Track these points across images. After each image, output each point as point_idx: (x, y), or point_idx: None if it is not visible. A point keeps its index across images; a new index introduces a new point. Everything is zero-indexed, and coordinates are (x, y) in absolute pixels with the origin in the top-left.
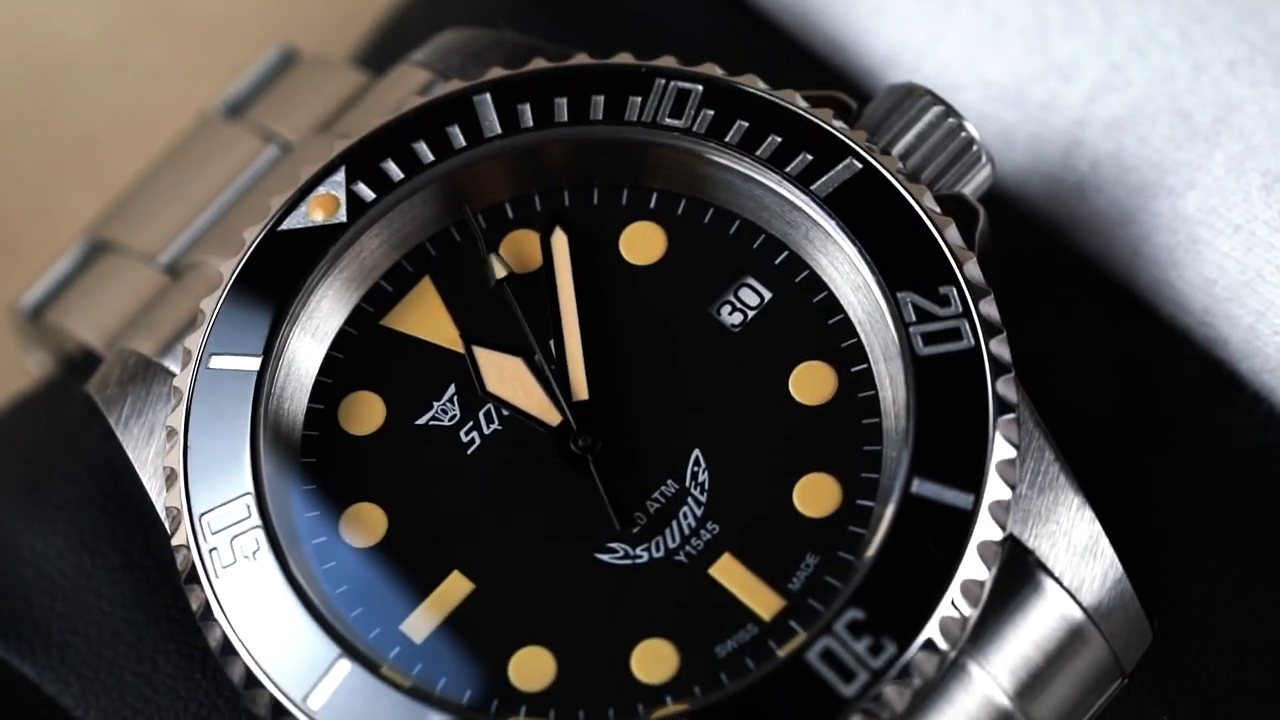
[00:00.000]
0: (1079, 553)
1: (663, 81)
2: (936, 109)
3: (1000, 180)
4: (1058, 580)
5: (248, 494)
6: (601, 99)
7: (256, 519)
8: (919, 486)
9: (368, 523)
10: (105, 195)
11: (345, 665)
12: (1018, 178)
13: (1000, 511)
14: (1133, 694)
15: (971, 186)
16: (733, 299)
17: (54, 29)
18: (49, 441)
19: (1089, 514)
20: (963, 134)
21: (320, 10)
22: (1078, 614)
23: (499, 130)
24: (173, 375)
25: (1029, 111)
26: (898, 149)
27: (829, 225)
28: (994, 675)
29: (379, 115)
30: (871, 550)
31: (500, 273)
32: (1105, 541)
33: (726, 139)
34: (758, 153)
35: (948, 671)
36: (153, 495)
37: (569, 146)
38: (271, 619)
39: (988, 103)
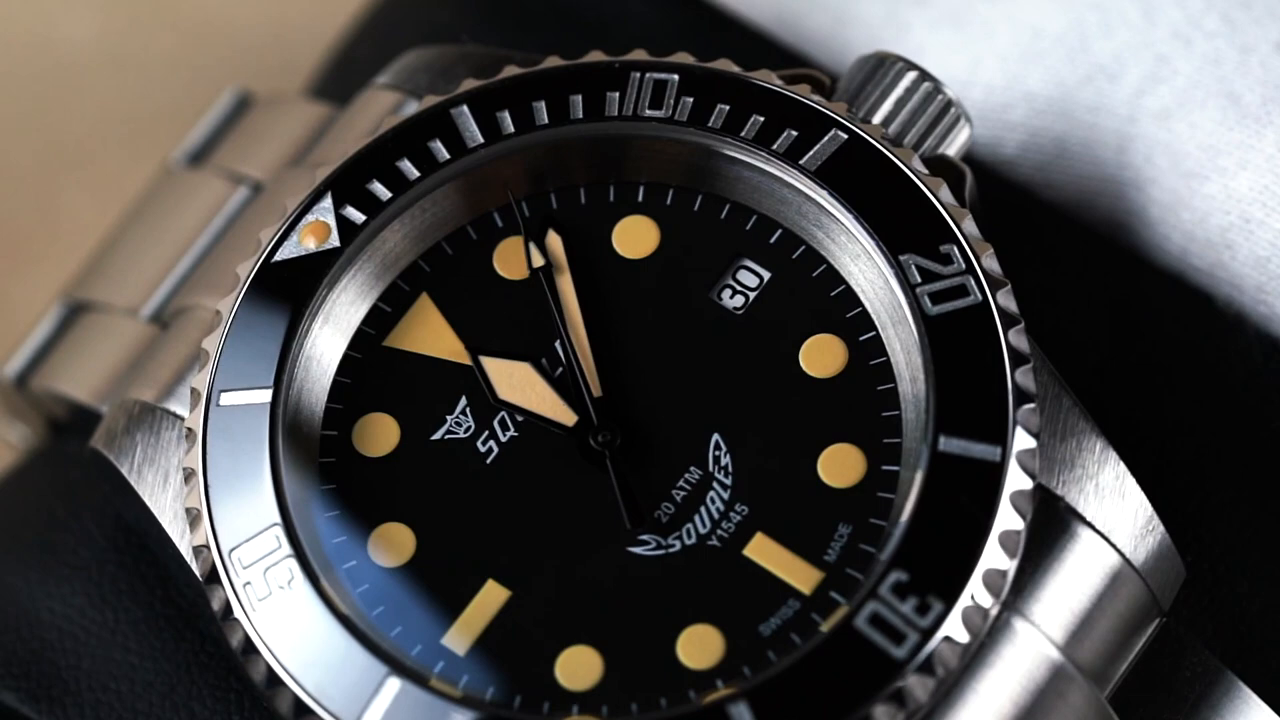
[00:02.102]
0: (1107, 495)
1: (638, 74)
2: (911, 74)
3: (1061, 190)
4: (1090, 524)
5: (275, 524)
6: (579, 98)
7: (288, 548)
8: (946, 444)
9: (396, 542)
10: (105, 195)
11: (395, 683)
12: (1077, 186)
13: (1028, 460)
14: (1172, 632)
15: (955, 148)
16: (732, 282)
17: (54, 29)
18: (55, 504)
19: (1113, 456)
20: (940, 96)
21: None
22: (1113, 556)
23: (481, 140)
24: (180, 419)
25: (1078, 117)
26: (878, 117)
27: (822, 197)
28: (1038, 626)
29: (352, 141)
30: (906, 512)
31: (538, 261)
32: (1132, 481)
33: (709, 124)
34: (742, 134)
35: (994, 629)
36: (175, 539)
37: (553, 149)
38: (314, 646)
39: (1037, 116)
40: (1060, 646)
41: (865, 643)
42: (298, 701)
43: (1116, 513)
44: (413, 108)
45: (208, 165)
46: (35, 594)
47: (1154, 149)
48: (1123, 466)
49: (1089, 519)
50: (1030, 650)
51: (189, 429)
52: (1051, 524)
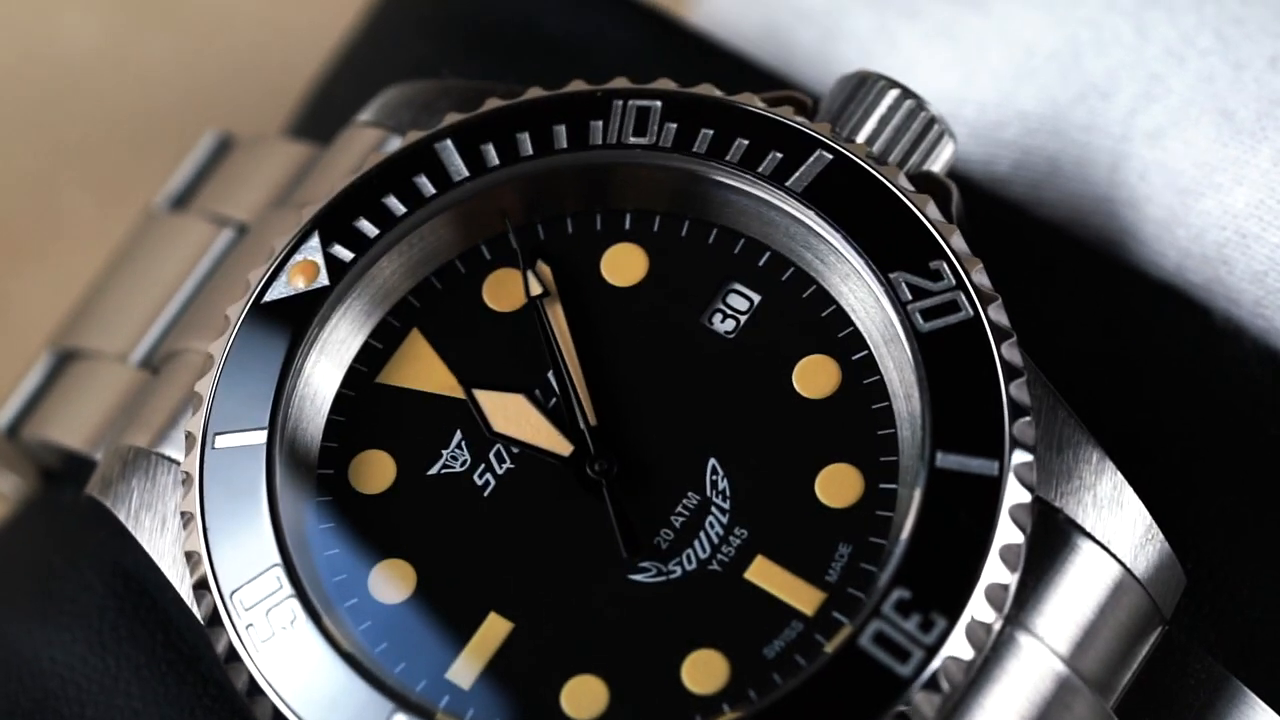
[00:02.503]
0: (1105, 505)
1: (620, 102)
2: (894, 92)
3: (1054, 209)
4: (1089, 535)
5: (276, 565)
6: (563, 128)
7: (289, 589)
8: (943, 460)
9: (396, 578)
10: (105, 195)
11: (401, 719)
12: (1070, 204)
13: (1026, 473)
14: (1175, 640)
15: (939, 164)
16: (722, 307)
17: (55, 30)
18: (51, 554)
19: (1110, 465)
20: (923, 113)
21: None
22: (1114, 566)
23: (467, 173)
24: (175, 463)
25: (1071, 136)
26: (861, 136)
27: (810, 218)
28: (1042, 639)
29: (337, 180)
30: (905, 530)
31: (536, 289)
32: (1129, 491)
33: (694, 149)
34: (727, 158)
35: (997, 643)
36: (176, 583)
37: (538, 179)
38: (319, 685)
39: (1030, 135)
40: (1064, 658)
41: (870, 661)
42: None
43: (1115, 523)
44: (396, 144)
45: (191, 209)
46: (37, 643)
47: (1148, 167)
48: (1120, 476)
49: (1088, 530)
50: (1034, 663)
51: (185, 473)
52: (1051, 536)
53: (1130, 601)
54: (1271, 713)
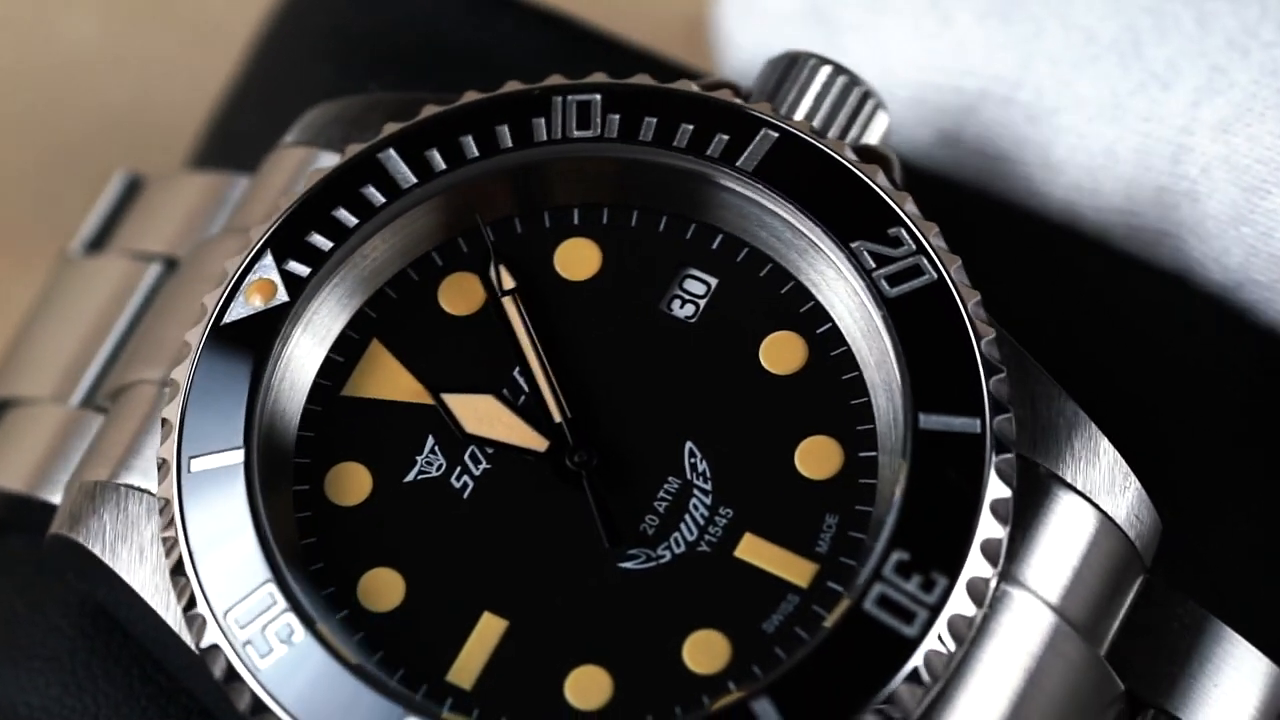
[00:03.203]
0: (1083, 456)
1: (560, 98)
2: (826, 68)
3: (1109, 197)
4: (1070, 485)
5: (268, 580)
6: (506, 128)
7: (284, 603)
8: (926, 421)
9: (385, 588)
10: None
11: None
12: (1124, 192)
13: (1007, 428)
14: (1156, 587)
15: (876, 136)
16: (680, 292)
17: (55, 29)
18: (13, 601)
19: (1084, 417)
20: (858, 87)
21: None
22: (1096, 515)
23: (414, 180)
24: (145, 493)
25: (1130, 124)
26: (799, 114)
27: (764, 196)
28: (1032, 590)
29: (272, 200)
30: (897, 493)
31: (509, 284)
32: (1105, 441)
33: (640, 138)
34: (674, 144)
35: (993, 598)
36: (161, 611)
37: (485, 181)
38: (324, 696)
39: (1088, 122)
40: (1055, 608)
41: (876, 625)
42: None
43: (1093, 473)
44: (328, 160)
45: (111, 249)
46: (9, 689)
47: (1211, 161)
48: (1094, 427)
49: (1069, 480)
50: (1027, 615)
51: (163, 500)
52: (1033, 489)
53: (1113, 549)
54: (1254, 650)
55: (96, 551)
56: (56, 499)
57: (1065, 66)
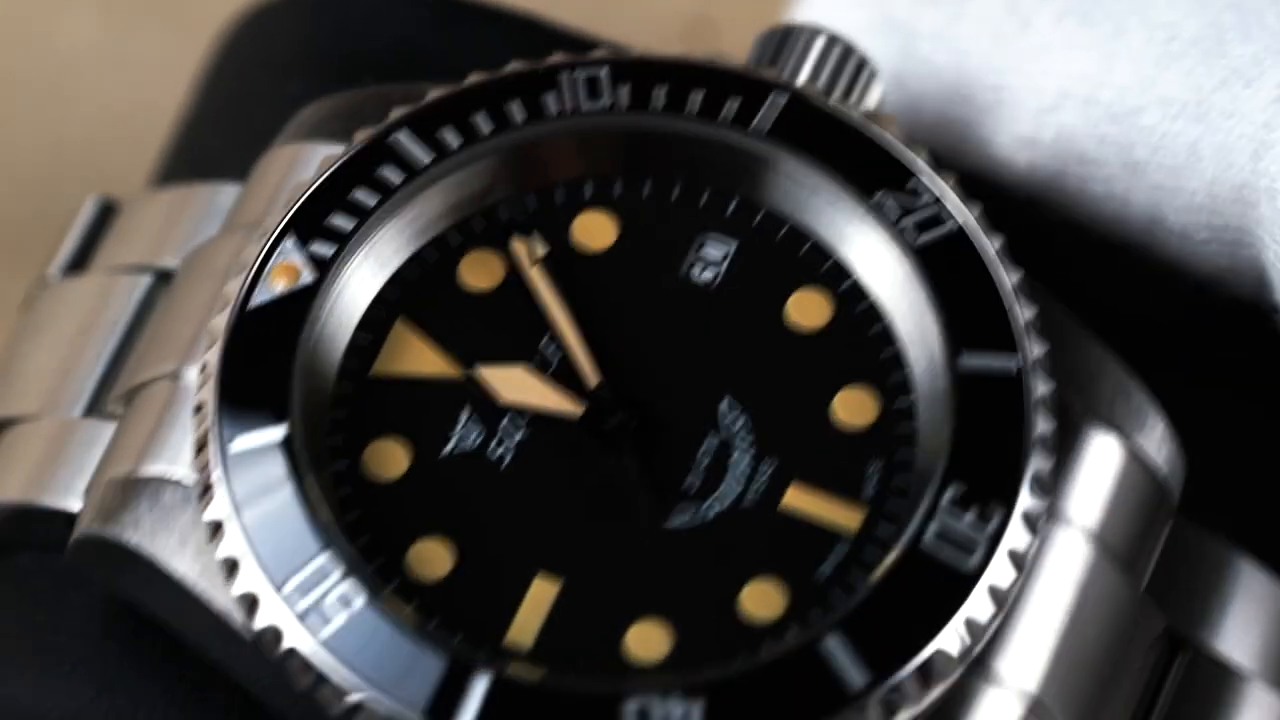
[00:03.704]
0: (1114, 395)
1: (567, 73)
2: (822, 38)
3: (1192, 196)
4: (1103, 422)
5: (322, 550)
6: (517, 104)
7: (340, 571)
8: (966, 360)
9: (433, 558)
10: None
11: (481, 679)
12: (1206, 190)
13: (1044, 366)
14: (1185, 527)
15: (872, 102)
16: (699, 258)
17: (54, 29)
18: (32, 612)
19: (1111, 357)
20: (854, 54)
21: None
22: (1127, 451)
23: (430, 159)
24: (176, 483)
25: (1213, 122)
26: (800, 82)
27: (780, 157)
28: (1073, 523)
29: (267, 199)
30: (943, 431)
31: (541, 251)
32: (1134, 382)
33: (652, 106)
34: (686, 110)
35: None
36: (208, 596)
37: (501, 157)
38: (391, 662)
39: (1171, 121)
40: (1096, 539)
41: (935, 561)
42: None
43: (1124, 411)
44: (332, 151)
45: (92, 269)
46: (40, 696)
47: None
48: (1122, 368)
49: (1101, 417)
50: (1069, 547)
51: (205, 484)
52: (1067, 427)
53: (1145, 485)
54: None
55: (134, 543)
56: (74, 506)
57: (1147, 65)
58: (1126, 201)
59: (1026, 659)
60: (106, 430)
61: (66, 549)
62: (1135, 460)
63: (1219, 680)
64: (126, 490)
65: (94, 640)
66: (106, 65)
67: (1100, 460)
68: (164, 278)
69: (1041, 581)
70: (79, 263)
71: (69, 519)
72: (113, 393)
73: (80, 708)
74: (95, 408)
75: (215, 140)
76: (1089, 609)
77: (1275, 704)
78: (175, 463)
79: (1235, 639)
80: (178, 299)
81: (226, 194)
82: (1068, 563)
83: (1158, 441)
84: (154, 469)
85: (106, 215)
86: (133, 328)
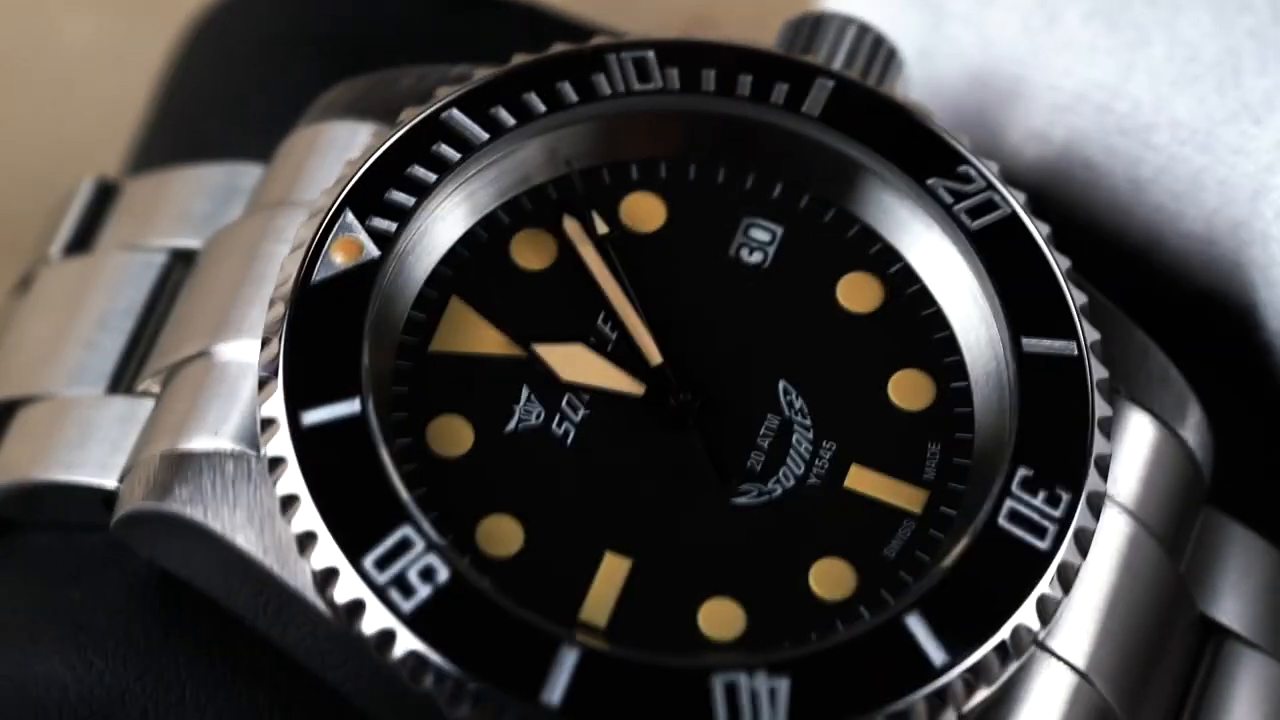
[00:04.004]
0: (1156, 381)
1: (614, 55)
2: (853, 27)
3: (1192, 223)
4: (1145, 407)
5: (404, 523)
6: (568, 84)
7: (422, 543)
8: (1029, 344)
9: (504, 534)
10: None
11: (570, 653)
12: (1206, 220)
13: (1099, 351)
14: (1216, 516)
15: (898, 89)
16: (746, 241)
17: (55, 29)
18: (64, 591)
19: (1153, 345)
20: (885, 45)
21: None
22: (1168, 435)
23: (486, 136)
24: (234, 454)
25: (1219, 155)
26: (835, 69)
27: (835, 140)
28: (1116, 501)
29: (291, 179)
30: (1004, 413)
31: (603, 229)
32: (1174, 369)
33: (703, 88)
34: (737, 93)
35: None
36: (278, 570)
37: (557, 137)
38: (477, 633)
39: (1180, 145)
40: (1137, 517)
41: (1012, 540)
42: (477, 696)
43: (1165, 396)
44: (367, 130)
45: (101, 247)
46: (82, 676)
47: None
48: (1163, 355)
49: (1144, 402)
50: (1114, 526)
51: (274, 457)
52: (1116, 412)
53: (1184, 468)
54: None
55: (196, 517)
56: (109, 483)
57: (1164, 83)
58: (1128, 216)
59: (1077, 637)
60: (137, 407)
61: (113, 524)
62: (1175, 444)
63: (1250, 668)
64: (179, 464)
65: (135, 618)
66: (106, 64)
67: (1143, 443)
68: (181, 257)
69: (1092, 561)
70: (80, 243)
71: (105, 496)
72: (145, 370)
73: (125, 687)
74: (119, 385)
75: (212, 121)
76: (1133, 585)
77: None
78: (226, 435)
79: (1267, 627)
80: (205, 278)
81: (246, 174)
82: (1115, 542)
83: (1195, 428)
84: (206, 443)
85: (105, 196)
86: (151, 306)
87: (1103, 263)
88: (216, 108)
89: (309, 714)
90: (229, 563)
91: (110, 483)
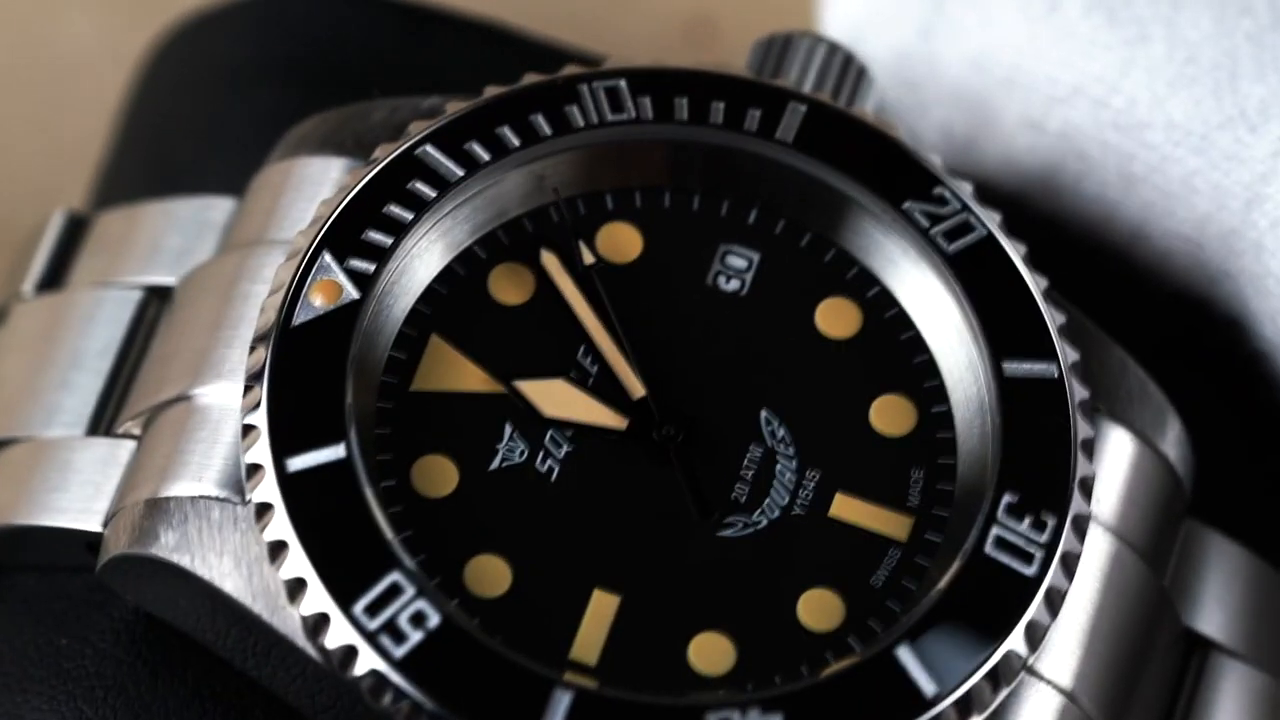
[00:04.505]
0: (1135, 398)
1: (585, 85)
2: (822, 47)
3: (1181, 223)
4: (1126, 423)
5: (393, 569)
6: (541, 116)
7: (413, 589)
8: (1010, 368)
9: (491, 574)
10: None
11: (564, 695)
12: (1195, 223)
13: (1079, 372)
14: (1198, 529)
15: (871, 105)
16: (723, 268)
17: (55, 28)
18: (50, 635)
19: (1131, 361)
20: (854, 62)
21: None
22: (1149, 451)
23: (461, 173)
24: (224, 501)
25: (1212, 159)
26: (806, 89)
27: (810, 166)
28: (1098, 519)
29: (264, 216)
30: (987, 437)
31: (589, 259)
32: (1152, 384)
33: (676, 117)
34: (711, 121)
35: None
36: (267, 616)
37: (532, 171)
38: (470, 678)
39: (1174, 146)
40: (1119, 534)
41: (998, 568)
42: None
43: (1144, 412)
44: (340, 165)
45: (74, 284)
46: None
47: None
48: (1142, 370)
49: (1123, 419)
50: (1096, 544)
51: (261, 504)
52: (1097, 430)
53: (1164, 483)
54: None
55: (184, 564)
56: (93, 526)
57: (1161, 83)
58: (1116, 208)
59: (1063, 659)
60: (117, 449)
61: (98, 569)
62: (1155, 458)
63: (1235, 679)
64: (164, 511)
65: (124, 664)
66: (106, 65)
67: (1123, 460)
68: (156, 293)
69: (1077, 582)
70: (52, 279)
71: (87, 539)
72: (124, 412)
73: None
74: (99, 426)
75: (179, 149)
76: (1117, 603)
77: None
78: (210, 481)
79: (1251, 638)
80: (182, 319)
81: (217, 208)
82: (1096, 559)
83: (1174, 441)
84: (190, 489)
85: (75, 229)
86: (128, 344)
87: (1088, 253)
88: (183, 135)
89: None
90: (216, 608)
91: (94, 526)
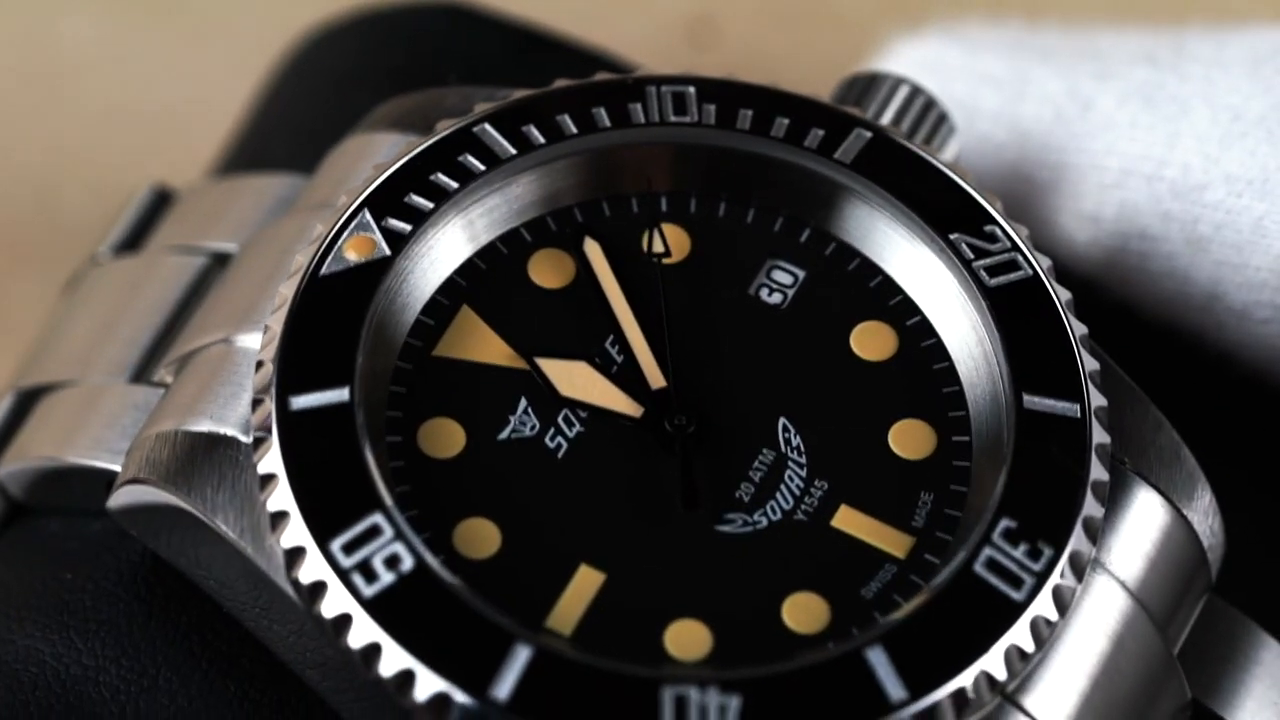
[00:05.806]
0: (1166, 460)
1: (654, 88)
2: (905, 87)
3: (1254, 270)
4: (1153, 484)
5: (375, 511)
6: (603, 109)
7: (391, 532)
8: (1030, 401)
9: (481, 536)
10: (105, 196)
11: (523, 650)
12: (1271, 267)
13: (1104, 416)
14: (1219, 606)
15: (950, 154)
16: (768, 282)
17: (55, 28)
18: (58, 572)
19: (1166, 423)
20: (936, 107)
21: None
22: (1174, 515)
23: (513, 152)
24: (225, 437)
25: (1279, 199)
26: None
27: (863, 187)
28: (1114, 575)
29: (337, 184)
30: (1000, 467)
31: (659, 248)
32: (1185, 449)
33: (737, 126)
34: (771, 134)
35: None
36: (249, 549)
37: (585, 159)
38: (435, 626)
39: (1236, 197)
40: (1134, 594)
41: (985, 587)
42: (435, 693)
43: (1174, 476)
44: (403, 142)
45: (147, 249)
46: (60, 652)
47: None
48: (1176, 435)
49: (1151, 480)
50: (1108, 596)
51: (258, 437)
52: (1117, 482)
53: (1187, 551)
54: None
55: (179, 496)
56: (116, 466)
57: (1212, 144)
58: (1187, 278)
59: (1055, 701)
60: (151, 396)
61: (107, 505)
62: (1181, 525)
63: None
64: (171, 444)
65: (122, 602)
66: (106, 65)
67: (1146, 519)
68: (219, 260)
69: (1077, 626)
70: (131, 245)
71: (107, 478)
72: (163, 360)
73: (100, 666)
74: (142, 376)
75: (278, 143)
76: (1121, 660)
77: None
78: (223, 420)
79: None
80: (235, 273)
81: (289, 185)
82: (1105, 611)
83: (1204, 512)
84: (202, 425)
85: (161, 202)
86: (183, 305)
87: (1161, 337)
88: (288, 132)
89: (278, 709)
90: (227, 555)
91: (114, 465)
